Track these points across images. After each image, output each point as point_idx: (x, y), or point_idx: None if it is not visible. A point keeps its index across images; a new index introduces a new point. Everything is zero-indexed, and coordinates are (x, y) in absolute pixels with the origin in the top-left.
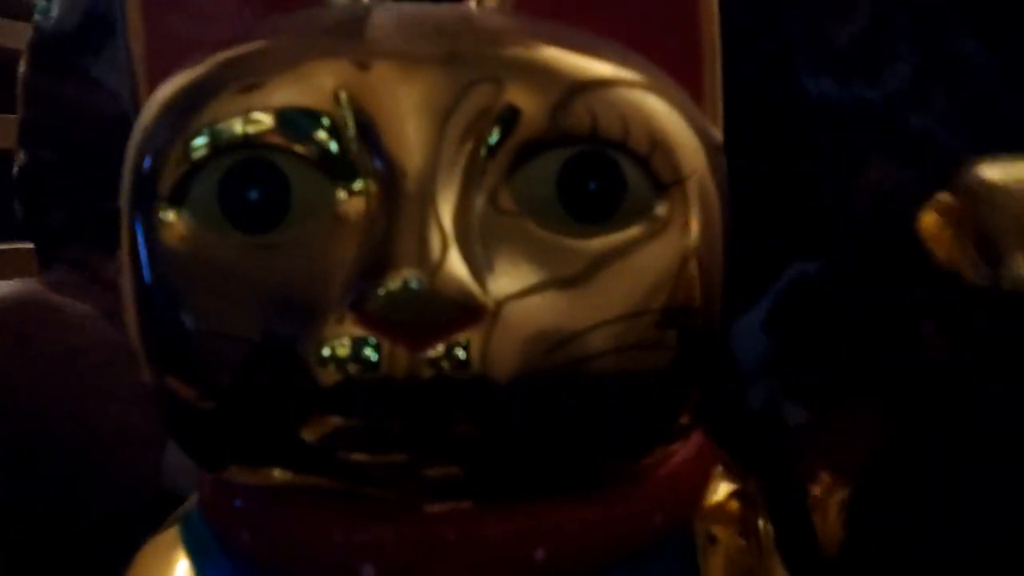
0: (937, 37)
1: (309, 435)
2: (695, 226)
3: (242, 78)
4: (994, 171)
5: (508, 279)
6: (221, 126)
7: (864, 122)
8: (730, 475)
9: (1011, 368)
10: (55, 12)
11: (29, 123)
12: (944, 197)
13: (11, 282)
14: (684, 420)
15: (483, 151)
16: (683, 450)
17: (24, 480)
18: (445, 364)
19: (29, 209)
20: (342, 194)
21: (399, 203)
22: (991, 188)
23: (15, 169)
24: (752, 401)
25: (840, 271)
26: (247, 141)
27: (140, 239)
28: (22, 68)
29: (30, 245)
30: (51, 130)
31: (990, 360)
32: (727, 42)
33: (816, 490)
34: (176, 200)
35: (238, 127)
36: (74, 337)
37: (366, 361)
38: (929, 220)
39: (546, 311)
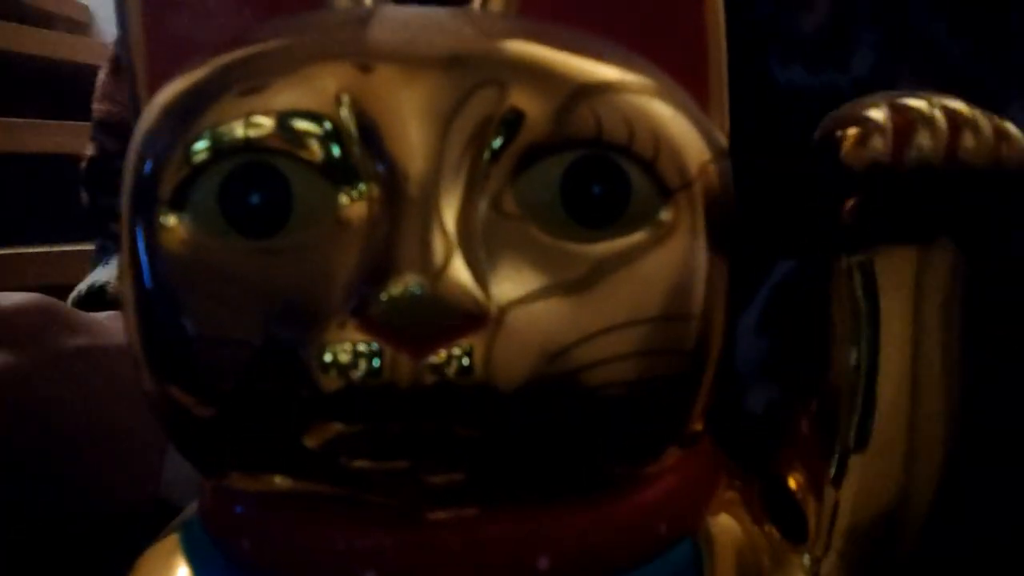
0: (900, 19)
1: (311, 441)
2: (701, 232)
3: (243, 81)
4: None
5: (511, 284)
6: (222, 129)
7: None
8: (732, 479)
9: None
10: None
11: (103, 119)
12: (851, 131)
13: (26, 293)
14: (693, 427)
15: (486, 155)
16: (691, 457)
17: (24, 479)
18: (448, 370)
19: (92, 194)
20: (344, 198)
21: (402, 207)
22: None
23: (83, 163)
24: (752, 405)
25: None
26: (248, 145)
27: (140, 244)
28: (101, 75)
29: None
30: (124, 123)
31: None
32: None
33: (792, 484)
34: (177, 204)
35: (239, 130)
36: (81, 339)
37: (368, 367)
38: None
39: (550, 317)
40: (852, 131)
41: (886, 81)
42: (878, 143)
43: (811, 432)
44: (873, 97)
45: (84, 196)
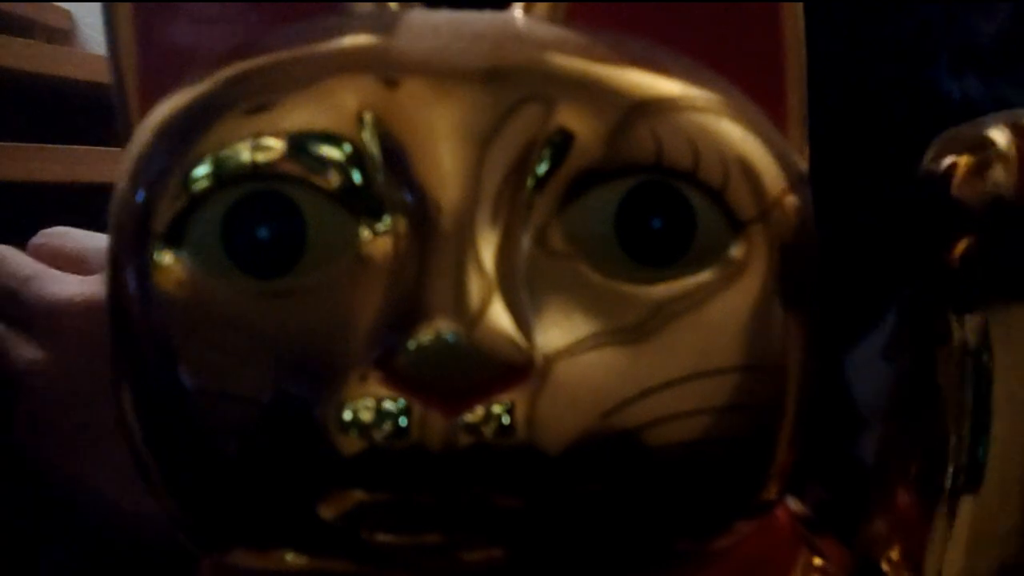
0: None
1: (327, 512)
2: (776, 270)
3: (250, 97)
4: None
5: (558, 331)
6: (226, 153)
7: None
8: (814, 555)
9: None
10: None
11: None
12: (965, 159)
13: None
14: (768, 494)
15: (530, 182)
16: (765, 530)
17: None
18: (486, 430)
19: None
20: (366, 232)
21: (432, 243)
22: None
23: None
24: (864, 451)
25: None
26: (256, 171)
27: (131, 285)
28: None
29: None
30: None
31: None
32: (854, 31)
33: (885, 566)
34: (173, 239)
35: (245, 154)
36: None
37: (394, 426)
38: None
39: (602, 369)
40: (967, 159)
41: None
42: (1000, 174)
43: (911, 503)
44: (990, 118)
45: None
